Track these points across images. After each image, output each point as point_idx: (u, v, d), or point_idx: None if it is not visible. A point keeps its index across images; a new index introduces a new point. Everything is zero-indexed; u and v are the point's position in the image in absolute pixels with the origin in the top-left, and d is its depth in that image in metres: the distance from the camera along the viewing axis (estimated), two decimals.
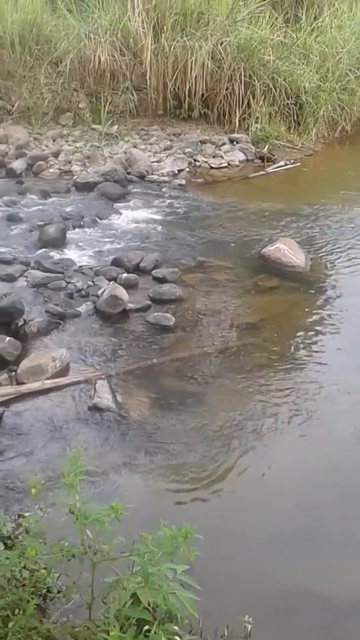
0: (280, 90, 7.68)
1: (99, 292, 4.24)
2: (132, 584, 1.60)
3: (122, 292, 4.14)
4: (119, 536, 1.67)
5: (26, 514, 2.07)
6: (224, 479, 2.82)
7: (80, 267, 4.64)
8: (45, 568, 1.67)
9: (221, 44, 7.47)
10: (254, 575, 2.38)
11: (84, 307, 4.14)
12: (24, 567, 1.63)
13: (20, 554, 1.64)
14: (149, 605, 1.56)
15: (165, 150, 7.22)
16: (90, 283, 4.40)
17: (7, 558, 1.59)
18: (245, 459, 2.94)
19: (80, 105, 7.59)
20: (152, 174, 6.63)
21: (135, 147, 7.17)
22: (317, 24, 8.24)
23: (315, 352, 3.81)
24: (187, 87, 7.56)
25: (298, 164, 7.27)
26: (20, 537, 1.86)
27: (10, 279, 4.39)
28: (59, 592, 1.82)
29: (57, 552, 1.58)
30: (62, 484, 1.61)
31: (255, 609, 2.16)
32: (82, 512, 1.52)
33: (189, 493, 2.75)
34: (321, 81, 7.92)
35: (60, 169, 6.65)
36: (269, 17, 7.93)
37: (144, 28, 7.41)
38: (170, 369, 3.62)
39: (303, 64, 7.87)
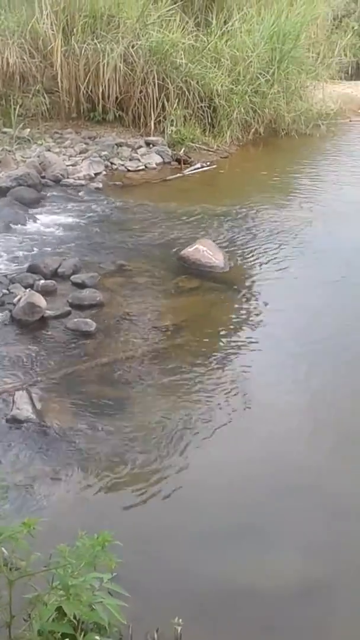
0: (193, 93, 7.77)
1: (15, 300, 4.11)
2: (54, 598, 1.55)
3: (39, 299, 4.03)
4: (38, 551, 1.61)
5: None
6: (151, 481, 2.80)
7: None
8: None
9: (133, 47, 7.46)
10: (184, 576, 2.37)
11: None
12: None
13: None
14: (74, 617, 1.52)
15: (80, 153, 7.13)
16: (5, 291, 4.25)
17: None
18: (173, 460, 2.92)
19: None
20: (68, 178, 6.52)
21: (49, 150, 7.03)
22: (227, 28, 8.39)
23: (237, 350, 3.86)
24: (101, 90, 7.49)
25: (214, 166, 7.38)
26: None
27: None
28: None
29: None
30: None
31: (187, 609, 2.15)
32: None
33: (116, 499, 2.71)
34: (233, 84, 8.07)
35: None
36: (180, 21, 8.00)
37: (53, 30, 7.29)
38: (92, 375, 3.55)
39: (215, 67, 7.99)
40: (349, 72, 12.17)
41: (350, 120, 10.42)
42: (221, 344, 3.92)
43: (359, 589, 2.36)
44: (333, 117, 9.81)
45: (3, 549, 1.59)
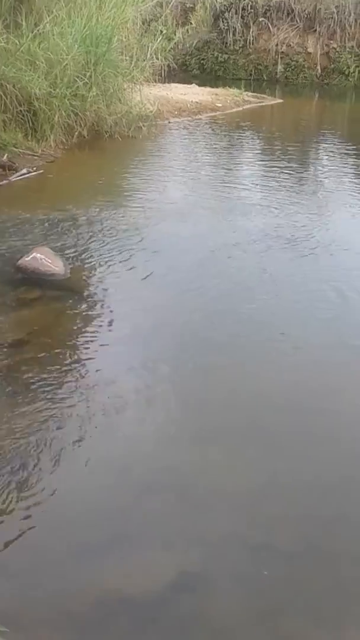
0: (10, 97, 7.49)
1: None
2: None
3: None
4: None
5: None
6: (10, 503, 2.68)
7: None
8: None
9: None
10: (60, 592, 2.31)
11: None
12: None
13: None
14: None
15: None
16: None
17: None
18: (33, 477, 2.82)
19: None
20: None
21: None
22: (38, 30, 8.21)
23: (87, 356, 3.82)
24: None
25: (41, 171, 7.20)
26: None
27: None
28: None
29: None
30: None
31: (66, 627, 2.10)
32: None
33: None
34: (51, 87, 7.92)
35: None
36: None
37: None
38: None
39: (30, 70, 7.78)
40: (162, 75, 12.57)
41: (169, 122, 10.79)
42: (70, 352, 3.85)
43: None
44: (152, 118, 10.10)
45: None
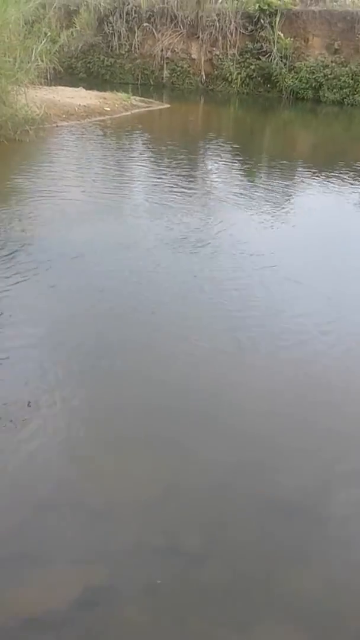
0: None
1: None
2: None
3: None
4: None
5: None
6: None
7: None
8: None
9: None
10: None
11: None
12: None
13: None
14: None
15: None
16: None
17: None
18: None
19: None
20: None
21: None
22: None
23: None
24: None
25: None
26: None
27: None
28: None
29: None
30: None
31: None
32: None
33: None
34: None
35: None
36: None
37: None
38: None
39: None
40: (48, 78, 12.35)
41: (57, 125, 10.63)
42: None
43: None
44: (40, 122, 9.90)
45: None
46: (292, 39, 15.73)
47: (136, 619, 2.31)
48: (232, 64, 16.33)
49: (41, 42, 11.34)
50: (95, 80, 16.50)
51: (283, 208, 7.19)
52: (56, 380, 3.60)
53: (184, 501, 2.84)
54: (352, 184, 8.41)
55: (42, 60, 11.47)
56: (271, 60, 15.80)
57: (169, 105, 14.11)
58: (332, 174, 8.92)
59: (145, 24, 16.81)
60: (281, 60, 15.73)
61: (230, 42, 16.30)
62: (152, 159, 9.36)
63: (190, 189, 7.64)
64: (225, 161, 9.59)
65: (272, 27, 15.71)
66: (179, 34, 16.75)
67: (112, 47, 17.13)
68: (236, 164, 9.55)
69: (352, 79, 15.14)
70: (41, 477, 2.91)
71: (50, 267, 5.01)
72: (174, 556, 2.57)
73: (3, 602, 2.33)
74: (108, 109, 12.42)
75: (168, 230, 6.01)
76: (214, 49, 16.55)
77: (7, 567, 2.46)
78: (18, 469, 2.96)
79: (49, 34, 13.00)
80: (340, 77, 15.21)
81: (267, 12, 15.70)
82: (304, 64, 15.60)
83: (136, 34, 16.93)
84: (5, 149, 8.47)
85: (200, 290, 4.82)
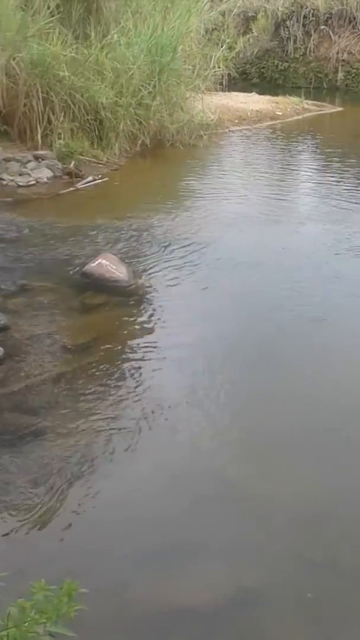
0: (79, 106, 7.71)
1: None
2: None
3: None
4: None
5: None
6: (75, 510, 2.76)
7: None
8: None
9: (14, 59, 7.28)
10: (131, 600, 2.36)
11: None
12: None
13: None
14: None
15: None
16: None
17: None
18: (98, 483, 2.89)
19: None
20: None
21: None
22: (106, 41, 8.42)
23: (150, 365, 3.88)
24: None
25: (106, 179, 7.37)
26: None
27: None
28: None
29: None
30: None
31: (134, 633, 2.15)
32: None
33: (40, 532, 2.63)
34: (117, 97, 8.11)
35: None
36: (59, 34, 7.92)
37: None
38: (5, 404, 3.43)
39: (98, 79, 7.99)
40: (223, 84, 12.65)
41: (229, 130, 10.84)
42: (133, 360, 3.92)
43: None
44: (213, 127, 10.17)
45: None
46: None
47: (284, 626, 2.31)
48: None
49: (219, 49, 11.65)
50: (268, 85, 16.54)
51: None
52: (220, 380, 3.70)
53: (349, 516, 2.78)
54: None
55: (219, 67, 11.77)
56: None
57: (341, 109, 13.73)
58: None
59: (322, 27, 16.51)
60: None
61: None
62: (322, 162, 9.19)
63: None
64: None
65: None
66: (357, 35, 16.22)
67: (287, 51, 17.04)
68: None
69: None
70: (205, 472, 3.01)
71: (217, 272, 5.12)
72: (330, 573, 2.53)
73: (161, 589, 2.43)
74: (280, 113, 12.40)
75: (346, 239, 5.85)
76: None
77: (167, 556, 2.57)
78: (181, 461, 3.08)
79: (227, 40, 13.33)
80: None
81: None
82: None
83: (312, 37, 16.68)
84: (180, 154, 8.83)
85: None
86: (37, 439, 3.17)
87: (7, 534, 2.61)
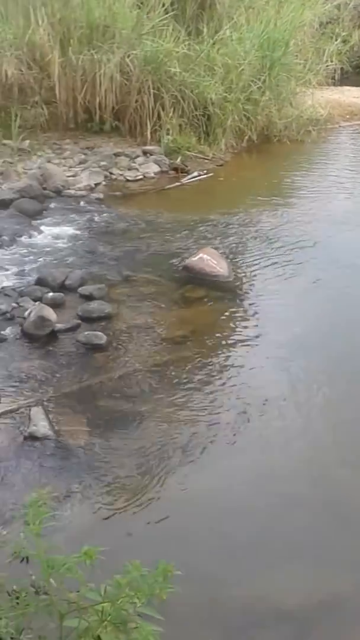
0: (188, 101, 7.79)
1: (25, 313, 4.10)
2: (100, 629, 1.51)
3: (49, 313, 4.02)
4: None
5: None
6: (169, 497, 2.81)
7: (2, 288, 4.48)
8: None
9: (128, 56, 7.49)
10: (217, 592, 2.38)
11: (9, 331, 3.99)
12: None
13: None
14: None
15: (80, 164, 7.12)
16: (14, 305, 4.24)
17: None
18: (192, 475, 2.94)
19: None
20: (69, 189, 6.50)
21: (49, 161, 7.01)
22: (218, 36, 8.44)
23: (246, 361, 3.88)
24: (97, 101, 7.51)
25: (211, 174, 7.40)
26: None
27: None
28: None
29: (23, 606, 1.47)
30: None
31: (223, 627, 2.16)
32: (48, 561, 1.43)
33: (135, 516, 2.71)
34: (226, 92, 8.10)
35: None
36: (173, 30, 8.03)
37: (50, 41, 7.30)
38: (105, 389, 3.56)
39: (208, 75, 8.02)
40: (335, 78, 12.28)
41: (339, 126, 10.50)
42: (229, 355, 3.94)
43: None
44: (323, 122, 9.89)
45: (52, 580, 1.54)
46: None
47: None
48: None
49: (333, 43, 11.32)
50: None
51: None
52: (316, 379, 3.63)
53: None
54: None
55: (332, 61, 11.44)
56: None
57: None
58: None
59: None
60: None
61: None
62: None
63: None
64: None
65: None
66: None
67: None
68: None
69: None
70: (299, 471, 2.98)
71: (321, 271, 4.99)
72: None
73: (256, 587, 2.42)
74: None
75: None
76: None
77: (260, 553, 2.56)
78: (273, 458, 3.06)
79: (342, 34, 12.92)
80: None
81: None
82: None
83: None
84: (287, 149, 8.68)
85: None
86: (134, 424, 3.27)
87: (104, 514, 2.71)
